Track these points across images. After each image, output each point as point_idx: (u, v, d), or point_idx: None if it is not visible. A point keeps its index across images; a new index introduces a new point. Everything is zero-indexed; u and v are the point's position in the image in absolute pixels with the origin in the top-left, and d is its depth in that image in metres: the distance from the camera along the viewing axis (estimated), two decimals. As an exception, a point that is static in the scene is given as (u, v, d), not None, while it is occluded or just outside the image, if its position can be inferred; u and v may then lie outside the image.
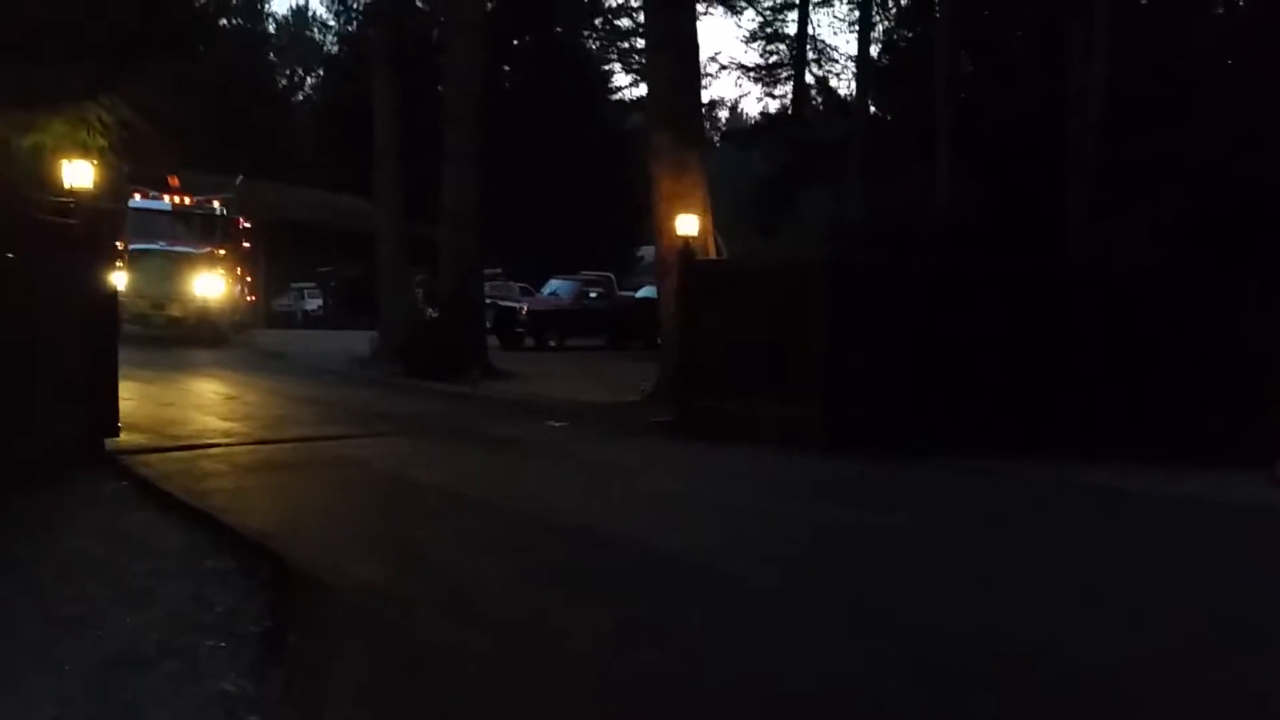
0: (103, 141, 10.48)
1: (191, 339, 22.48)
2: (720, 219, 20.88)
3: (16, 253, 7.45)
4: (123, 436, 9.62)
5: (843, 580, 6.29)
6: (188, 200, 25.23)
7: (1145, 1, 27.42)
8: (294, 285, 38.79)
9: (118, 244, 9.63)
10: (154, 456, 9.45)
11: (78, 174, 9.98)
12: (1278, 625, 5.61)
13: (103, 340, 9.32)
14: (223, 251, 25.16)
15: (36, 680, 4.29)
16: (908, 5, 35.46)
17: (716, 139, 51.62)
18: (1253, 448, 9.80)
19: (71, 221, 8.82)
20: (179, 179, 25.12)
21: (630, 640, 5.06)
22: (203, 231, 25.00)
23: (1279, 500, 9.03)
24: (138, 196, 24.01)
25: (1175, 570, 6.77)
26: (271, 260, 35.30)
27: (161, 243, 23.53)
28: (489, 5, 28.60)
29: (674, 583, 6.17)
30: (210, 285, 24.25)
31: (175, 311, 23.46)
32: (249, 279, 28.59)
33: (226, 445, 10.49)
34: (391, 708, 4.29)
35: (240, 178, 28.01)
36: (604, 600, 5.79)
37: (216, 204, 25.96)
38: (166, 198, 24.81)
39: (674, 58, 14.61)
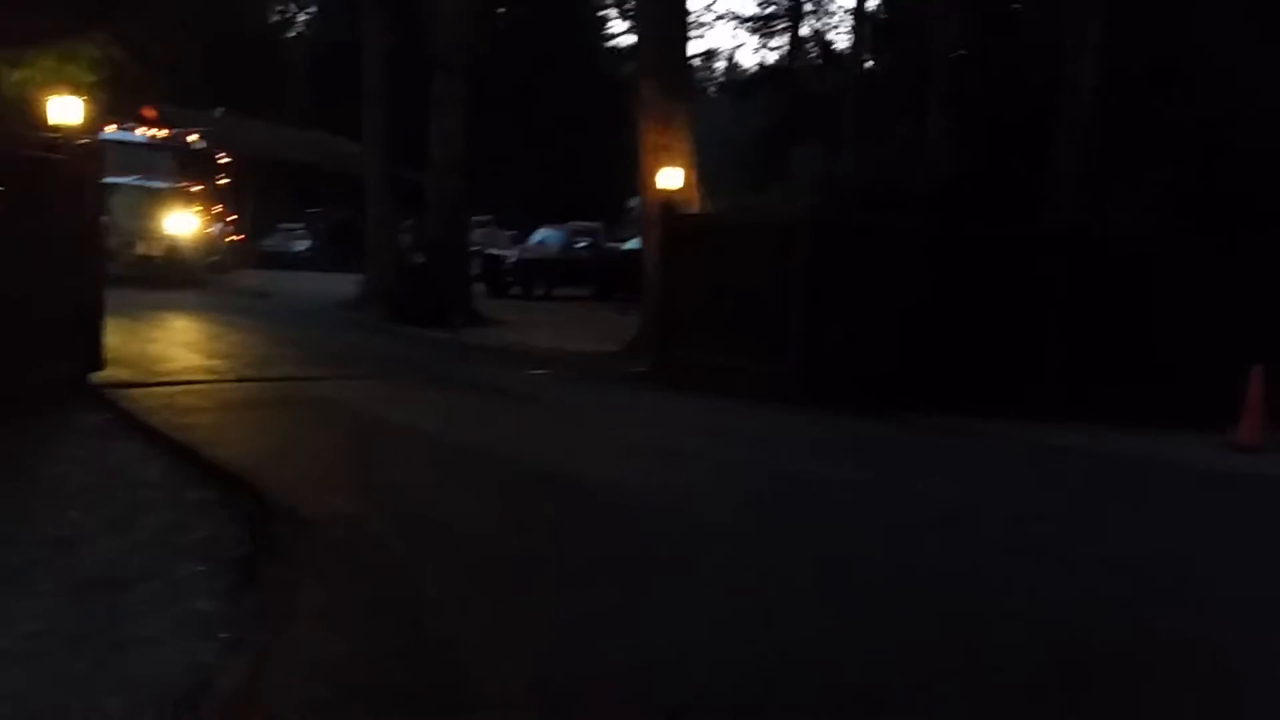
0: (91, 78, 10.53)
1: (162, 279, 20.94)
2: (713, 172, 21.05)
3: (4, 189, 7.58)
4: (108, 371, 9.79)
5: (791, 525, 6.56)
6: (163, 133, 24.17)
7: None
8: (282, 226, 38.71)
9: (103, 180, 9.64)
10: (138, 391, 9.61)
11: (66, 110, 10.05)
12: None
13: (89, 276, 9.47)
14: (199, 188, 24.22)
15: (21, 599, 4.52)
16: (907, -42, 35.31)
17: (713, 90, 51.44)
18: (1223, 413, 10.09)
19: (59, 158, 8.93)
20: (157, 112, 24.20)
21: (590, 576, 5.31)
22: (178, 166, 23.90)
23: (1230, 463, 9.37)
24: (110, 128, 21.79)
25: (1109, 522, 7.05)
26: (260, 200, 35.25)
27: (133, 177, 21.87)
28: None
29: (637, 524, 6.42)
30: (183, 223, 23.21)
31: (144, 250, 22.16)
32: (231, 217, 27.56)
33: (209, 382, 10.67)
34: (356, 626, 4.54)
35: (220, 110, 27.18)
36: (569, 538, 6.03)
37: (193, 137, 24.95)
38: (140, 130, 23.61)
39: (662, 9, 14.66)
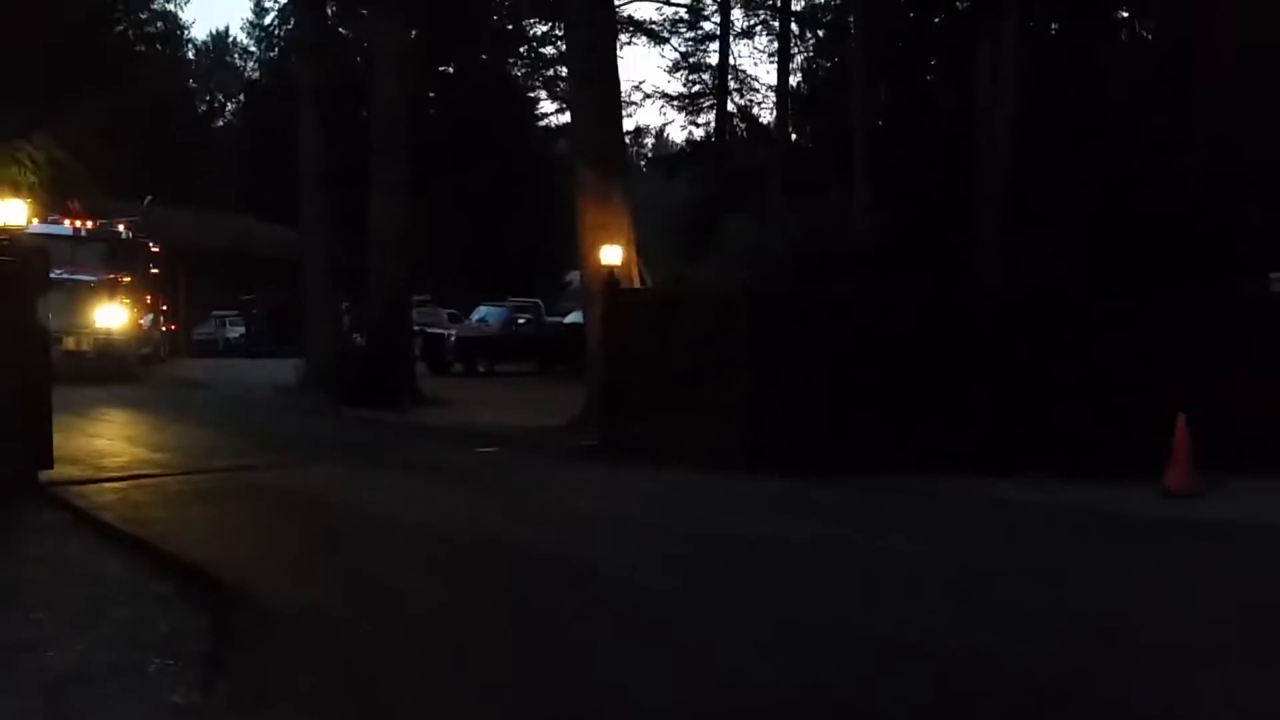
0: (33, 179, 10.63)
1: (95, 374, 19.96)
2: (647, 244, 21.47)
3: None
4: (57, 469, 9.75)
5: (734, 588, 6.83)
6: (89, 224, 23.29)
7: (1054, 30, 28.88)
8: (216, 313, 38.48)
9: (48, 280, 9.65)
10: (89, 488, 9.61)
11: (10, 212, 10.13)
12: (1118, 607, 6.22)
13: (36, 375, 9.48)
14: (128, 278, 23.39)
15: (-5, 698, 4.57)
16: (825, 36, 36.67)
17: (643, 165, 52.41)
18: (1149, 461, 10.52)
19: (5, 259, 8.99)
20: (81, 203, 23.40)
21: (547, 650, 5.50)
22: (106, 257, 23.04)
23: (1166, 510, 9.76)
24: (35, 221, 20.81)
25: (1038, 570, 7.37)
26: (192, 288, 35.05)
27: (59, 270, 20.36)
28: (413, 33, 28.90)
29: (584, 591, 6.68)
30: (112, 315, 22.16)
31: (74, 345, 20.98)
32: (162, 307, 27.02)
33: (158, 476, 10.65)
34: (326, 710, 4.69)
35: (148, 199, 26.36)
36: (522, 610, 6.24)
37: (121, 227, 24.23)
38: (66, 221, 22.64)
39: (596, 96, 15.17)
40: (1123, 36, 30.12)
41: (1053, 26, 28.80)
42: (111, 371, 20.99)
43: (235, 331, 38.29)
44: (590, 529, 8.70)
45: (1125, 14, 29.91)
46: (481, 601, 6.42)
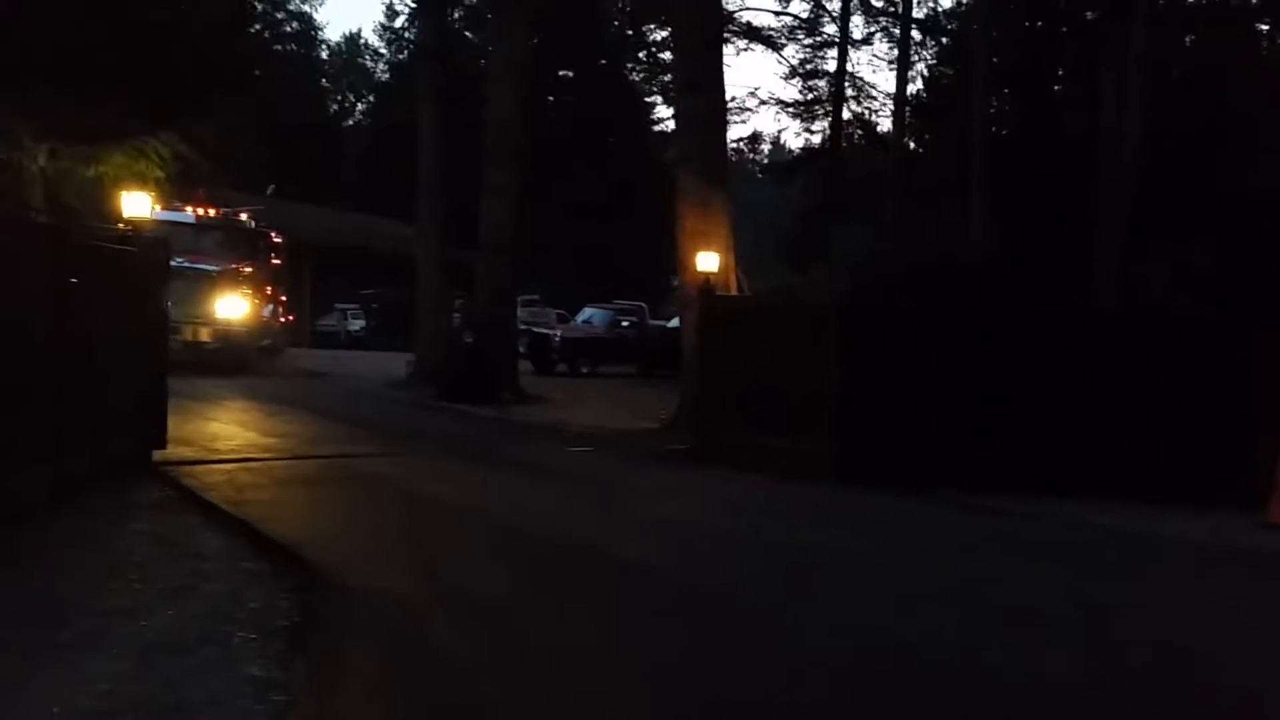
0: (159, 173, 11.25)
1: (213, 366, 19.70)
2: (757, 251, 21.44)
3: (80, 279, 8.18)
4: (170, 449, 10.31)
5: (819, 601, 6.82)
6: (212, 212, 22.90)
7: (1188, 42, 27.89)
8: (338, 306, 39.81)
9: (168, 270, 10.18)
10: (198, 468, 10.14)
11: (136, 204, 10.75)
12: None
13: (155, 359, 10.05)
14: (250, 268, 22.90)
15: (92, 662, 4.91)
16: (948, 44, 36.06)
17: (758, 172, 52.32)
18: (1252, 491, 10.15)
19: (130, 249, 9.57)
20: (206, 194, 23.21)
21: (623, 650, 5.64)
22: (228, 246, 22.59)
23: (1267, 543, 9.40)
24: (158, 208, 19.62)
25: (1128, 604, 7.19)
26: (317, 281, 36.35)
27: (181, 259, 19.22)
28: (534, 40, 29.47)
29: (656, 594, 6.77)
30: (234, 307, 21.64)
31: (192, 336, 20.37)
32: (282, 298, 26.40)
33: (265, 459, 11.16)
34: (393, 695, 4.89)
35: (271, 187, 26.22)
36: (599, 614, 6.35)
37: (245, 216, 23.90)
38: (189, 209, 22.26)
39: (701, 102, 15.26)
40: (1262, 49, 28.94)
41: (1186, 39, 27.85)
42: (231, 364, 20.81)
43: (356, 324, 39.56)
44: (668, 532, 8.80)
45: (1266, 26, 28.68)
46: (559, 601, 6.55)
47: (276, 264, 25.29)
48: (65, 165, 13.55)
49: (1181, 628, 6.56)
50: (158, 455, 10.06)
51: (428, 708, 4.76)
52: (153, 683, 4.72)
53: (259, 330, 23.37)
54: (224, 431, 13.00)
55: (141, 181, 11.22)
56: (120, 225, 10.72)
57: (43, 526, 7.37)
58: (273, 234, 25.15)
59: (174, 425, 10.57)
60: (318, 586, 6.41)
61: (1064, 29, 30.18)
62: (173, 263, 18.87)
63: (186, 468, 10.04)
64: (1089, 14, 27.23)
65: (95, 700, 4.47)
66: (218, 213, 23.07)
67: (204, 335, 20.87)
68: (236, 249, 22.78)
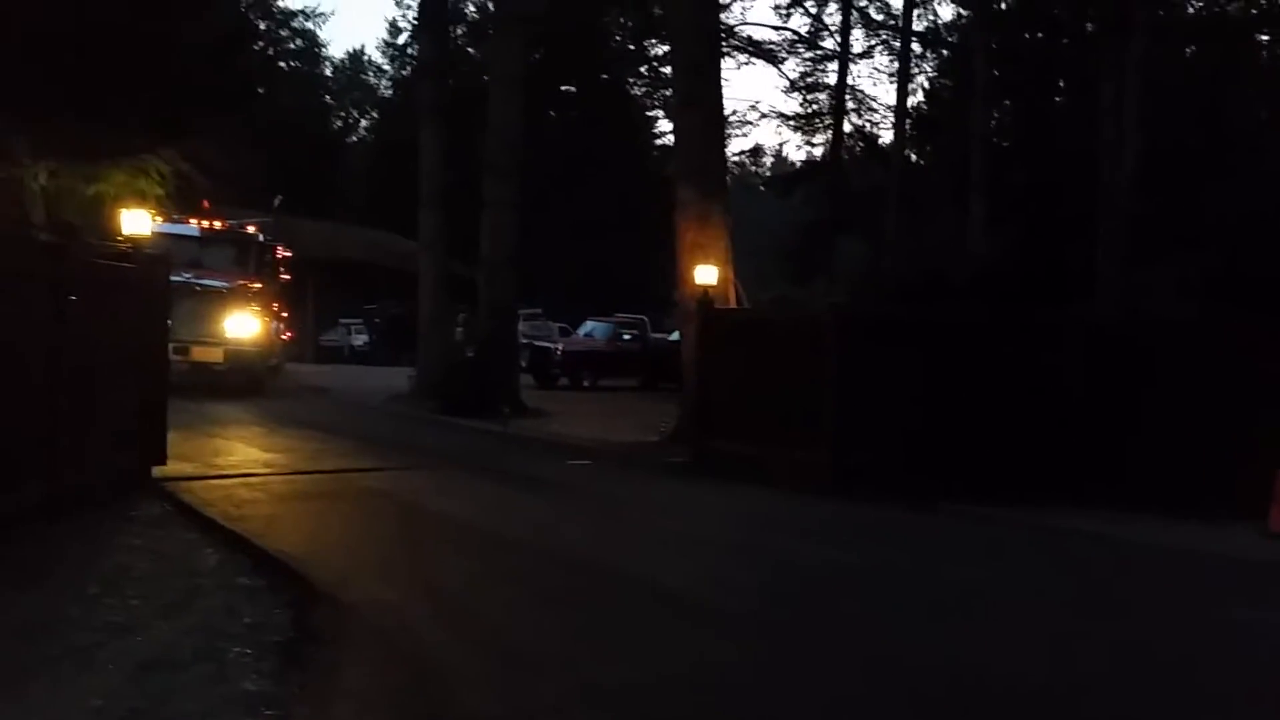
0: (160, 191, 11.30)
1: (222, 388, 18.88)
2: (757, 266, 21.47)
3: (80, 296, 8.23)
4: (169, 465, 10.34)
5: (810, 613, 6.83)
6: (217, 224, 21.59)
7: (1188, 53, 27.95)
8: (342, 321, 39.89)
9: (170, 286, 10.18)
10: (197, 484, 10.15)
11: (136, 222, 10.81)
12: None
13: (154, 375, 10.09)
14: (258, 284, 21.49)
15: (85, 677, 4.93)
16: (947, 57, 36.19)
17: (760, 185, 52.45)
18: (1250, 499, 10.13)
19: (129, 266, 9.62)
20: (210, 204, 21.93)
21: (622, 662, 5.66)
22: (235, 260, 21.27)
23: (1271, 552, 9.37)
24: (159, 220, 18.42)
25: (1119, 614, 7.17)
26: (320, 295, 36.42)
27: (186, 274, 18.56)
28: (535, 55, 29.60)
29: (654, 608, 6.79)
30: (243, 325, 20.22)
31: (200, 356, 19.21)
32: (286, 314, 25.42)
33: (264, 475, 11.18)
34: (390, 705, 4.91)
35: (278, 199, 25.36)
36: (595, 628, 6.37)
37: (251, 229, 22.59)
38: (193, 221, 20.98)
39: (699, 116, 15.32)
40: (1263, 58, 28.99)
41: (1187, 50, 27.89)
42: (242, 385, 19.75)
43: (360, 339, 39.63)
44: (665, 545, 8.81)
45: (1265, 37, 28.72)
46: (557, 616, 6.55)
47: (284, 279, 24.39)
48: (66, 183, 13.59)
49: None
50: (157, 471, 10.08)
51: (423, 721, 4.79)
52: (146, 698, 4.73)
53: (269, 350, 22.43)
54: (224, 447, 13.02)
55: (142, 199, 11.26)
56: (120, 242, 10.77)
57: (39, 541, 7.39)
58: (280, 248, 24.07)
59: (174, 441, 10.59)
60: (314, 601, 6.42)
61: (1064, 40, 30.30)
62: (179, 279, 16.61)
63: (186, 483, 10.05)
64: (1088, 26, 27.31)
65: (88, 716, 4.49)
66: (224, 225, 21.96)
67: (213, 356, 19.65)
68: (243, 263, 21.52)
